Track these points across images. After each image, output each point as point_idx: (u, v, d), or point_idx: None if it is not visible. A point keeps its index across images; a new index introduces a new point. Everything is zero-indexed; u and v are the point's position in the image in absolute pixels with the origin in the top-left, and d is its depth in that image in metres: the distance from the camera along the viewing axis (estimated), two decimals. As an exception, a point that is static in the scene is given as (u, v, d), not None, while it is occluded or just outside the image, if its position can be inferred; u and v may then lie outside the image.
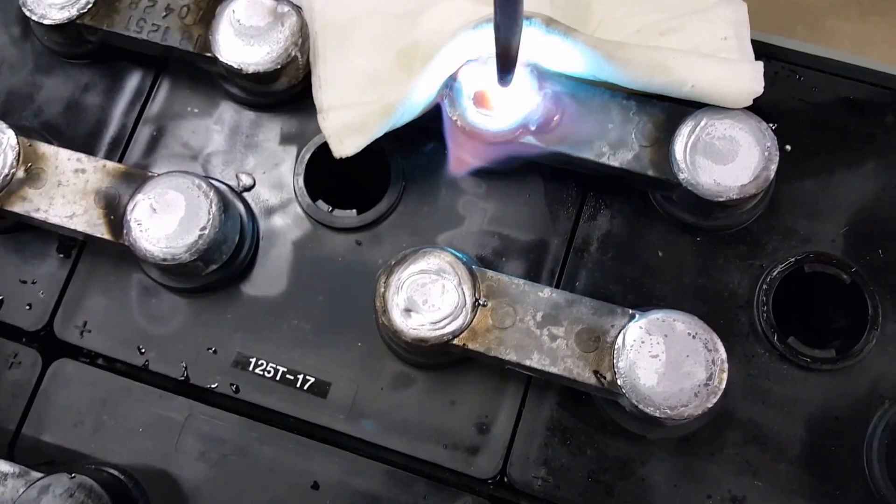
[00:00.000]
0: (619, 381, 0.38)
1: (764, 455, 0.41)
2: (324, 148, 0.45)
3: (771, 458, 0.41)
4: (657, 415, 0.37)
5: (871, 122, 0.45)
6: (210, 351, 0.44)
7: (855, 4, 0.53)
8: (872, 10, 0.51)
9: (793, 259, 0.43)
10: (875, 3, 0.53)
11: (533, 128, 0.42)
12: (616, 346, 0.38)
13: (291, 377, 0.43)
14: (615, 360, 0.38)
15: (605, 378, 0.39)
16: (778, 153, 0.41)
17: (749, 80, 0.42)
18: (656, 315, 0.38)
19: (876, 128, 0.45)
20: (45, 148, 0.44)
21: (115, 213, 0.42)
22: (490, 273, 0.40)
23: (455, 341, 0.39)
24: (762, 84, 0.42)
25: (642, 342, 0.38)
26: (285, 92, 0.46)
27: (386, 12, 0.46)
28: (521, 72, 0.41)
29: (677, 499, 0.41)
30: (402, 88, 0.42)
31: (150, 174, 0.43)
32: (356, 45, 0.45)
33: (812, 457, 0.41)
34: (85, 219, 0.42)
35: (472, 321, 0.39)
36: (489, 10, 0.34)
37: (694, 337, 0.38)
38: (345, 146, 0.42)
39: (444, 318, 0.39)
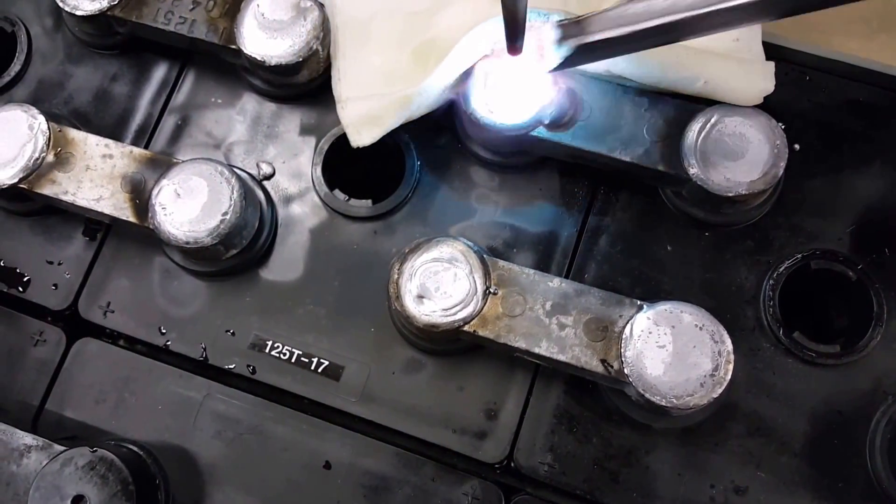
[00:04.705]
0: (626, 370, 0.39)
1: (767, 447, 0.42)
2: (342, 139, 0.46)
3: (774, 450, 0.42)
4: (663, 404, 0.38)
5: (879, 123, 0.46)
6: (228, 333, 0.45)
7: (863, 22, 0.53)
8: (881, 29, 0.51)
9: (799, 256, 0.44)
10: (884, 22, 0.53)
11: (546, 122, 0.43)
12: (624, 336, 0.39)
13: (306, 360, 0.44)
14: (623, 350, 0.39)
15: (612, 367, 0.39)
16: (787, 151, 0.42)
17: (760, 78, 0.43)
18: (664, 306, 0.39)
19: (883, 129, 0.46)
20: (75, 133, 0.45)
21: (140, 197, 0.44)
22: (501, 262, 0.41)
23: (466, 328, 0.40)
24: (773, 83, 0.43)
25: (650, 332, 0.39)
26: (306, 84, 0.47)
27: (404, 10, 0.47)
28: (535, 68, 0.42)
29: (681, 487, 0.41)
30: (419, 82, 0.43)
31: (174, 161, 0.44)
32: (374, 42, 0.47)
33: (815, 450, 0.42)
34: (111, 202, 0.44)
35: (482, 309, 0.40)
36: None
37: (701, 328, 0.39)
38: (362, 136, 0.44)
39: (456, 305, 0.40)
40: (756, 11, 0.35)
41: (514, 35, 0.38)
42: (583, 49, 0.39)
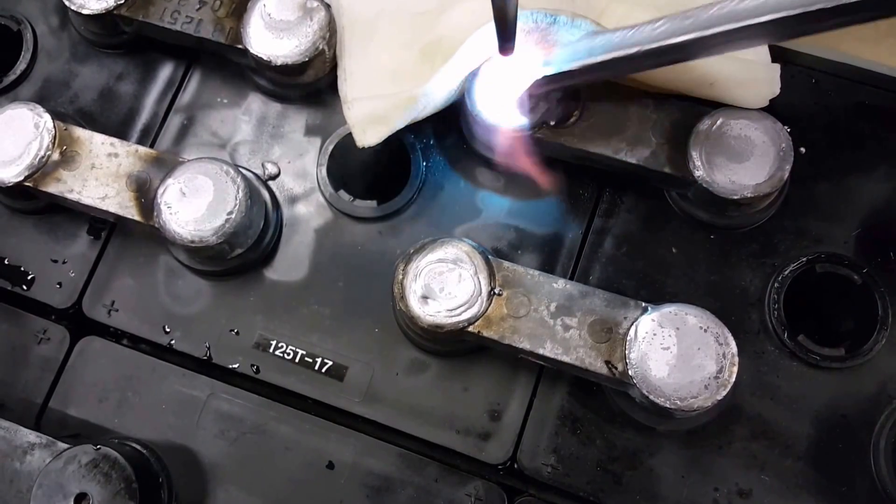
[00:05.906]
0: (630, 372, 0.39)
1: (771, 450, 0.42)
2: (347, 139, 0.46)
3: (778, 453, 0.42)
4: (667, 405, 0.38)
5: (885, 126, 0.46)
6: (232, 332, 0.45)
7: (871, 27, 0.53)
8: (889, 34, 0.51)
9: (805, 259, 0.44)
10: (892, 27, 0.53)
11: (552, 123, 0.43)
12: (628, 338, 0.39)
13: (310, 360, 0.44)
14: (627, 351, 0.39)
15: (616, 368, 0.39)
16: (793, 153, 0.42)
17: (766, 81, 0.43)
18: (669, 308, 0.39)
19: (889, 132, 0.46)
20: (80, 132, 0.45)
21: (145, 196, 0.44)
22: (506, 264, 0.41)
23: (470, 329, 0.40)
24: (779, 85, 0.43)
25: (654, 334, 0.39)
26: (312, 84, 0.47)
27: (410, 10, 0.47)
28: (542, 67, 0.42)
29: (685, 490, 0.41)
30: (425, 82, 0.43)
31: (180, 160, 0.44)
32: (381, 42, 0.47)
33: (819, 453, 0.41)
34: (117, 200, 0.44)
35: (487, 309, 0.40)
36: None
37: (705, 331, 0.39)
38: (368, 136, 0.44)
39: (460, 306, 0.40)
40: (749, 35, 0.34)
41: (505, 36, 0.38)
42: (563, 75, 0.40)
